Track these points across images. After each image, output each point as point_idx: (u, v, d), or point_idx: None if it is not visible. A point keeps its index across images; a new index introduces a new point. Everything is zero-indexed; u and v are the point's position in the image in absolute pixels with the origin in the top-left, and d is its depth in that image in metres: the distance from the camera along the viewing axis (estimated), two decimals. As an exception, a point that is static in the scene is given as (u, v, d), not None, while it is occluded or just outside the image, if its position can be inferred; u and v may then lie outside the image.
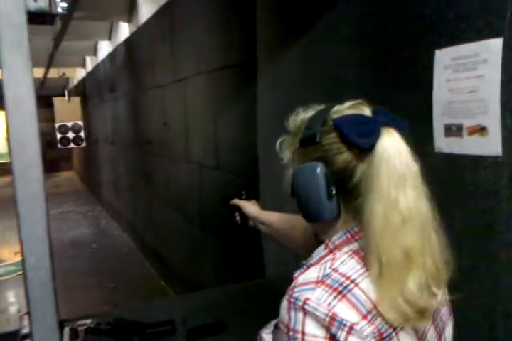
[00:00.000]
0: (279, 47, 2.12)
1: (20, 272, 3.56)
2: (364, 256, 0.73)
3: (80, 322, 1.64)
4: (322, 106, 0.83)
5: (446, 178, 1.25)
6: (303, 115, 0.84)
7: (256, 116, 2.39)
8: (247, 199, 1.47)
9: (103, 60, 6.97)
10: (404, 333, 0.72)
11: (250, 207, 1.43)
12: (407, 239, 0.71)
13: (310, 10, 1.86)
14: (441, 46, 1.23)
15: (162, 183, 4.48)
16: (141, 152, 5.21)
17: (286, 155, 0.85)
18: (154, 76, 4.35)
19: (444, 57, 1.22)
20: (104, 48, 6.84)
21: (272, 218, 1.39)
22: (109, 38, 6.42)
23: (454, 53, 1.19)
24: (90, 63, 8.40)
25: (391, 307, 0.69)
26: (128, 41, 5.29)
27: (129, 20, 5.17)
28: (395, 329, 0.70)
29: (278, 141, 0.87)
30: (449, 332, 0.86)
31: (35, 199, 0.71)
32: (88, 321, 1.67)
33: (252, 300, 1.87)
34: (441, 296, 0.81)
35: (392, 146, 0.73)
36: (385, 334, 0.69)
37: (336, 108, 0.80)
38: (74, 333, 1.58)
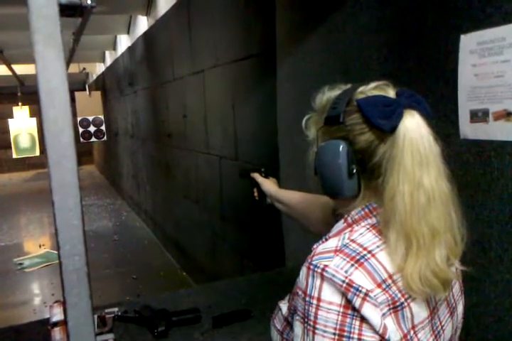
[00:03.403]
0: (298, 37, 2.12)
1: (46, 264, 3.64)
2: (383, 231, 0.76)
3: (107, 310, 1.67)
4: (348, 86, 0.85)
5: (471, 164, 1.25)
6: (329, 94, 0.86)
7: (275, 106, 2.39)
8: (266, 176, 1.50)
9: (122, 54, 7.01)
10: (416, 303, 0.75)
11: (269, 185, 1.46)
12: (433, 217, 0.74)
13: (329, -2, 1.85)
14: (466, 31, 1.21)
15: (182, 175, 4.52)
16: (160, 144, 5.25)
17: (312, 133, 0.88)
18: (173, 68, 4.37)
19: (469, 42, 1.20)
20: (123, 42, 6.88)
21: (290, 197, 1.41)
22: (128, 32, 6.46)
23: (479, 38, 1.17)
24: (109, 57, 8.47)
25: (419, 279, 0.72)
26: (147, 34, 5.31)
27: (147, 14, 5.19)
28: (406, 299, 0.73)
29: (304, 118, 0.90)
30: (460, 309, 0.89)
31: (69, 188, 0.72)
32: (115, 309, 1.70)
33: (274, 288, 1.88)
34: (456, 269, 0.85)
35: (415, 128, 0.74)
36: (397, 303, 0.72)
37: (361, 88, 0.81)
38: (102, 321, 1.61)
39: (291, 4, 2.18)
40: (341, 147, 0.78)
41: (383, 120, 0.74)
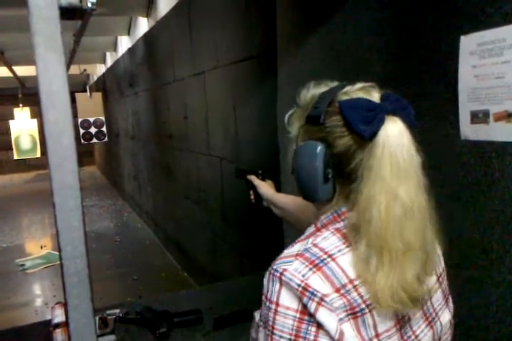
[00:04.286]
0: (298, 38, 2.12)
1: (47, 265, 3.64)
2: (352, 237, 0.74)
3: (109, 312, 1.68)
4: (334, 83, 0.82)
5: (472, 165, 1.25)
6: (313, 90, 0.83)
7: (276, 107, 2.39)
8: (263, 179, 1.48)
9: (123, 55, 7.02)
10: (380, 311, 0.72)
11: (265, 188, 1.45)
12: (409, 232, 0.72)
13: (329, 0, 1.85)
14: (466, 32, 1.21)
15: (183, 176, 4.52)
16: (161, 146, 5.25)
17: (294, 129, 0.85)
18: (174, 70, 4.38)
19: (469, 43, 1.20)
20: (124, 43, 6.89)
21: (286, 201, 1.40)
22: (129, 33, 6.47)
23: (479, 39, 1.17)
24: (110, 59, 8.47)
25: (390, 296, 0.70)
26: (147, 36, 5.32)
27: (147, 15, 5.19)
28: (368, 305, 0.71)
29: (287, 114, 0.87)
30: (445, 319, 0.87)
31: (70, 190, 0.72)
32: (117, 310, 1.70)
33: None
34: (433, 283, 0.83)
35: (395, 136, 0.72)
36: (357, 309, 0.71)
37: (346, 89, 0.78)
38: (103, 322, 1.62)
39: (291, 5, 2.18)
40: (319, 149, 0.76)
41: (364, 125, 0.71)
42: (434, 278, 0.83)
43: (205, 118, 3.61)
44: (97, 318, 1.66)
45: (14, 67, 7.52)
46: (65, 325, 1.06)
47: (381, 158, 0.71)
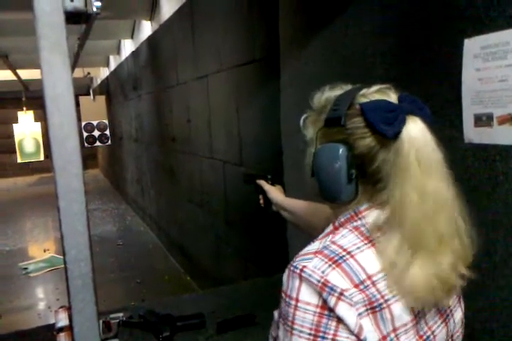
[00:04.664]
0: (301, 41, 2.12)
1: (50, 269, 3.64)
2: (372, 233, 0.76)
3: (112, 316, 1.68)
4: (348, 87, 0.84)
5: (476, 168, 1.24)
6: (328, 93, 0.85)
7: (279, 110, 2.40)
8: (272, 184, 1.49)
9: (126, 59, 7.05)
10: (397, 306, 0.74)
11: (275, 193, 1.46)
12: (441, 226, 0.74)
13: (332, 3, 1.86)
14: (470, 35, 1.21)
15: (186, 179, 4.52)
16: (165, 149, 5.26)
17: (309, 133, 0.86)
18: (177, 73, 4.39)
19: (473, 46, 1.20)
20: (127, 47, 6.91)
21: (295, 205, 1.41)
22: (132, 37, 6.49)
23: (483, 42, 1.17)
24: (114, 62, 8.51)
25: (425, 287, 0.72)
26: (150, 39, 5.34)
27: (151, 19, 5.21)
28: (386, 300, 0.73)
29: (302, 117, 0.88)
30: (458, 317, 0.88)
31: (75, 194, 0.72)
32: (120, 314, 1.70)
33: (279, 293, 1.88)
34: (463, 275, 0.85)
35: (419, 135, 0.74)
36: (375, 304, 0.72)
37: (363, 91, 0.80)
38: (107, 326, 1.61)
39: (294, 9, 2.19)
40: (341, 151, 0.77)
41: (386, 126, 0.73)
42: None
43: (208, 122, 3.61)
44: (100, 322, 1.66)
45: (18, 71, 7.55)
46: (69, 328, 1.06)
47: (408, 156, 0.73)
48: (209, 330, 1.65)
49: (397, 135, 0.73)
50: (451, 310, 0.86)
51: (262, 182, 1.48)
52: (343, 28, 1.80)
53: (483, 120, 1.20)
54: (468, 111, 1.24)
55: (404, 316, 0.75)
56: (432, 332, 0.80)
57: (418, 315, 0.77)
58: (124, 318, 1.69)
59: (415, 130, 0.74)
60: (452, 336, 0.87)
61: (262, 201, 1.49)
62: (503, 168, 1.17)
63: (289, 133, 2.33)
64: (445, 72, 1.31)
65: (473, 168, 1.25)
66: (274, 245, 2.62)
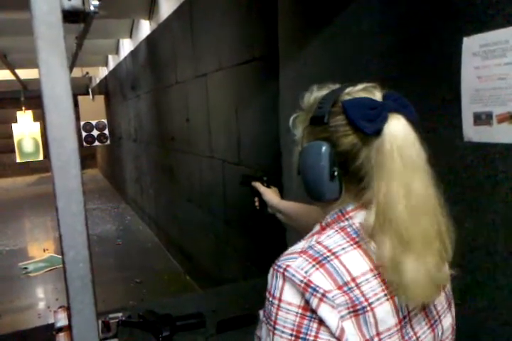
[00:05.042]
0: (300, 41, 2.12)
1: (50, 268, 3.63)
2: (361, 235, 0.76)
3: (111, 316, 1.67)
4: (336, 86, 0.84)
5: (475, 167, 1.24)
6: (316, 93, 0.85)
7: (278, 110, 2.39)
8: (268, 186, 1.49)
9: (125, 58, 7.04)
10: (382, 309, 0.73)
11: (270, 195, 1.45)
12: (426, 225, 0.74)
13: (331, 2, 1.85)
14: (468, 33, 1.21)
15: (185, 179, 4.52)
16: (164, 148, 5.26)
17: (298, 132, 0.87)
18: (176, 72, 4.38)
19: (472, 45, 1.20)
20: (126, 46, 6.90)
21: (291, 208, 1.41)
22: (131, 36, 6.48)
23: (482, 40, 1.17)
24: (112, 62, 8.50)
25: (420, 285, 0.72)
26: (149, 39, 5.33)
27: (149, 18, 5.21)
28: (370, 304, 0.72)
29: (292, 117, 0.89)
30: (446, 324, 0.87)
31: (73, 195, 0.72)
32: (119, 314, 1.70)
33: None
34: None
35: (401, 132, 0.74)
36: (358, 307, 0.71)
37: (349, 90, 0.81)
38: (106, 326, 1.61)
39: (293, 8, 2.18)
40: (324, 148, 0.77)
41: (367, 123, 0.74)
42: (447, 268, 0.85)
43: (207, 121, 3.61)
44: (99, 322, 1.66)
45: (17, 70, 7.54)
46: (68, 328, 1.06)
47: (391, 153, 0.73)
48: (209, 330, 1.65)
49: (378, 132, 0.74)
50: (439, 316, 0.85)
51: (258, 184, 1.48)
52: (342, 28, 1.79)
53: (482, 118, 1.20)
54: (468, 110, 1.23)
55: (389, 320, 0.74)
56: (417, 338, 0.79)
57: (404, 319, 0.77)
58: (124, 318, 1.69)
59: (397, 127, 0.74)
60: None
61: (257, 203, 1.49)
62: (502, 167, 1.17)
63: (287, 134, 2.33)
64: (444, 71, 1.31)
65: (472, 167, 1.25)
66: (274, 245, 2.62)
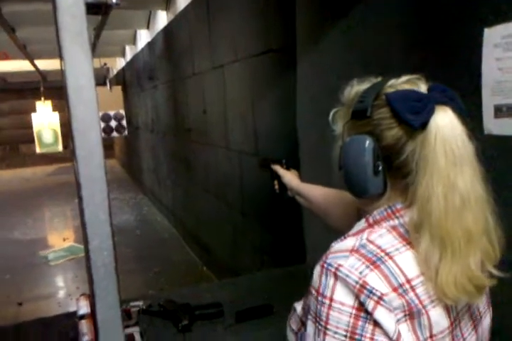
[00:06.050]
0: (318, 32, 2.10)
1: (70, 257, 3.69)
2: (414, 234, 0.73)
3: (132, 304, 1.70)
4: (378, 79, 0.81)
5: (495, 160, 1.23)
6: (357, 87, 0.83)
7: (295, 102, 2.39)
8: (287, 168, 1.46)
9: (142, 49, 7.06)
10: (435, 312, 0.72)
11: (290, 177, 1.42)
12: (469, 221, 0.71)
13: (351, -8, 1.84)
14: (490, 24, 1.19)
15: (202, 170, 4.54)
16: (180, 139, 5.28)
17: (338, 127, 0.85)
18: (193, 63, 4.39)
19: (493, 36, 1.18)
20: (143, 37, 6.92)
21: (312, 191, 1.37)
22: (148, 27, 6.49)
23: (504, 31, 1.15)
24: (130, 52, 8.53)
25: (455, 285, 0.70)
26: (166, 29, 5.34)
27: (167, 9, 5.21)
28: (425, 306, 0.71)
29: (331, 112, 0.87)
30: (486, 323, 0.85)
31: (97, 184, 0.74)
32: (140, 303, 1.73)
33: (295, 284, 1.89)
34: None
35: (447, 125, 0.71)
36: (414, 309, 0.70)
37: (391, 82, 0.78)
38: (127, 314, 1.64)
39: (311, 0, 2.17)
40: (367, 142, 0.75)
41: (412, 115, 0.71)
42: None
43: (223, 112, 3.61)
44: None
45: (36, 61, 7.61)
46: (90, 316, 1.08)
47: (435, 147, 0.70)
48: (227, 319, 1.67)
49: (424, 125, 0.71)
50: (481, 317, 0.83)
51: (277, 167, 1.45)
52: (361, 19, 1.78)
53: (503, 111, 1.18)
54: (488, 102, 1.22)
55: (442, 322, 0.73)
56: (464, 339, 0.78)
57: (455, 321, 0.75)
58: (144, 307, 1.72)
59: (444, 120, 0.71)
60: None
61: (276, 186, 1.46)
62: (524, 159, 1.16)
63: (305, 125, 2.32)
64: (464, 62, 1.29)
65: (492, 160, 1.24)
66: (290, 237, 2.63)
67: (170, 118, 5.78)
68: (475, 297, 0.73)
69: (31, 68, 7.92)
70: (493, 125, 1.22)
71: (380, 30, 1.66)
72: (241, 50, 3.12)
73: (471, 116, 1.27)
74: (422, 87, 0.77)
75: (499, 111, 1.20)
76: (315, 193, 1.36)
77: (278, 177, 1.45)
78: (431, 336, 0.71)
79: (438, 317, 0.72)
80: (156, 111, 6.56)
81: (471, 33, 1.25)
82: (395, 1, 1.58)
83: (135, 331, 1.53)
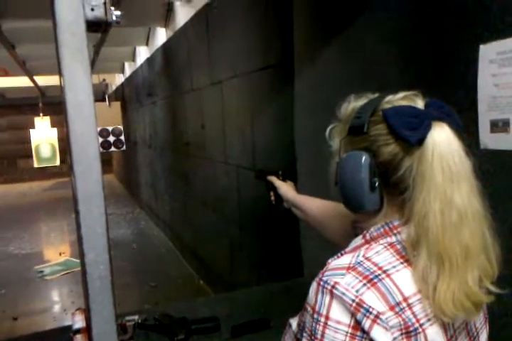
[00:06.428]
0: (316, 48, 2.13)
1: (65, 272, 3.67)
2: (410, 250, 0.72)
3: (128, 318, 1.69)
4: (375, 95, 0.82)
5: (492, 175, 1.24)
6: (354, 103, 0.83)
7: (293, 116, 2.40)
8: (283, 180, 1.46)
9: (141, 65, 7.12)
10: (432, 330, 0.71)
11: (286, 189, 1.42)
12: (466, 237, 0.71)
13: (346, 10, 1.87)
14: (485, 40, 1.21)
15: (200, 184, 4.54)
16: (179, 154, 5.30)
17: (335, 143, 0.85)
18: (192, 79, 4.42)
19: (488, 52, 1.20)
20: (142, 54, 6.98)
21: (308, 203, 1.37)
22: (147, 44, 6.56)
23: (499, 47, 1.17)
24: (129, 69, 8.59)
25: (453, 302, 0.69)
26: (165, 46, 5.39)
27: (166, 26, 5.27)
28: (421, 325, 0.70)
29: (328, 128, 0.87)
30: (483, 338, 0.85)
31: (95, 199, 0.74)
32: (135, 317, 1.71)
33: (293, 298, 1.88)
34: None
35: (444, 141, 0.71)
36: (411, 328, 0.69)
37: (389, 98, 0.78)
38: (122, 328, 1.63)
39: (309, 15, 2.20)
40: (364, 158, 0.75)
41: (409, 131, 0.71)
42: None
43: (222, 127, 3.63)
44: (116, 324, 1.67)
45: (35, 77, 7.66)
46: (85, 330, 1.07)
47: (432, 163, 0.70)
48: (224, 334, 1.65)
49: (421, 141, 0.71)
50: (477, 332, 0.83)
51: (273, 178, 1.45)
52: (358, 35, 1.80)
53: (499, 126, 1.19)
54: (484, 117, 1.23)
55: (439, 340, 0.72)
56: None
57: (451, 338, 0.75)
58: (140, 321, 1.70)
59: (441, 136, 0.71)
60: None
61: (272, 198, 1.46)
62: (519, 174, 1.17)
63: (303, 140, 2.34)
64: (460, 78, 1.31)
65: (488, 175, 1.24)
66: (288, 251, 2.62)
67: (168, 134, 5.80)
68: (473, 314, 0.73)
69: (30, 84, 7.97)
70: (489, 140, 1.23)
71: (377, 46, 1.69)
72: (239, 66, 3.16)
73: (467, 131, 1.29)
74: (419, 103, 0.77)
75: (495, 126, 1.21)
76: (311, 205, 1.35)
77: (274, 188, 1.45)
78: None
79: (435, 336, 0.71)
80: (154, 126, 6.58)
81: (467, 50, 1.27)
82: (392, 17, 1.60)
83: (131, 346, 1.51)
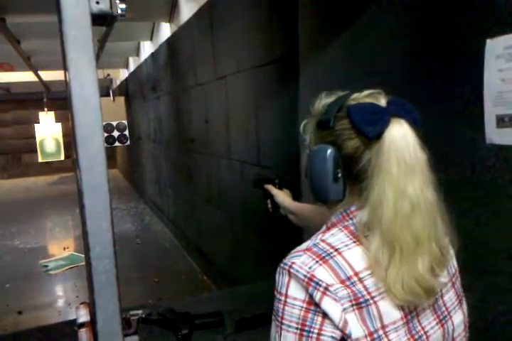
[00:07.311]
0: (321, 42, 2.12)
1: (70, 266, 3.70)
2: (362, 234, 0.78)
3: (132, 312, 1.69)
4: (344, 93, 0.88)
5: (497, 170, 1.23)
6: (325, 100, 0.89)
7: (297, 112, 2.40)
8: (280, 188, 1.51)
9: (145, 60, 7.11)
10: (385, 303, 0.75)
11: (282, 197, 1.49)
12: (417, 226, 0.76)
13: (351, 4, 1.86)
14: (492, 35, 1.20)
15: (204, 180, 4.55)
16: (183, 149, 5.30)
17: (308, 137, 0.91)
18: (196, 74, 4.42)
19: (495, 47, 1.19)
20: (147, 49, 6.98)
21: (304, 209, 1.44)
22: (151, 39, 6.55)
23: (506, 42, 1.16)
24: (133, 64, 8.59)
25: (402, 287, 0.74)
26: (170, 41, 5.38)
27: (170, 21, 5.26)
28: (373, 297, 0.75)
29: (302, 123, 0.93)
30: (457, 320, 0.88)
31: (99, 192, 0.74)
32: (139, 311, 1.72)
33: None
34: (446, 281, 0.86)
35: (400, 136, 0.76)
36: (361, 299, 0.74)
37: (355, 96, 0.84)
38: (127, 323, 1.63)
39: (313, 10, 2.19)
40: (329, 151, 0.81)
41: (369, 126, 0.77)
42: (446, 276, 0.86)
43: (226, 122, 3.63)
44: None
45: (40, 72, 7.67)
46: (90, 324, 1.08)
47: (388, 156, 0.76)
48: (227, 329, 1.66)
49: (379, 136, 0.76)
50: (449, 312, 0.86)
51: (270, 187, 1.52)
52: (363, 30, 1.79)
53: (505, 121, 1.19)
54: (491, 112, 1.23)
55: (393, 313, 0.76)
56: (425, 332, 0.81)
57: (410, 314, 0.79)
58: (144, 315, 1.71)
59: (398, 131, 0.77)
60: (453, 339, 0.87)
61: (269, 205, 1.53)
62: (525, 170, 1.16)
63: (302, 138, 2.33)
64: (467, 73, 1.30)
65: (494, 169, 1.24)
66: (291, 246, 2.62)
67: (172, 129, 5.80)
68: (423, 298, 0.77)
69: (35, 79, 7.99)
70: (495, 135, 1.23)
71: (382, 40, 1.68)
72: (244, 60, 3.15)
73: (473, 125, 1.28)
74: (382, 101, 0.82)
75: (501, 121, 1.20)
76: (306, 211, 1.42)
77: (271, 196, 1.51)
78: (383, 327, 0.75)
79: (388, 308, 0.76)
80: (159, 121, 6.58)
81: (473, 44, 1.27)
82: (398, 11, 1.59)
83: (134, 340, 1.52)
